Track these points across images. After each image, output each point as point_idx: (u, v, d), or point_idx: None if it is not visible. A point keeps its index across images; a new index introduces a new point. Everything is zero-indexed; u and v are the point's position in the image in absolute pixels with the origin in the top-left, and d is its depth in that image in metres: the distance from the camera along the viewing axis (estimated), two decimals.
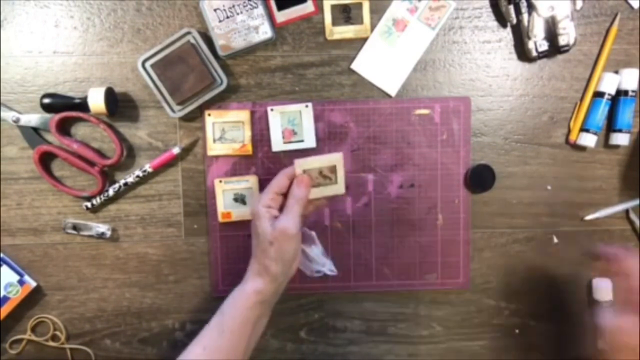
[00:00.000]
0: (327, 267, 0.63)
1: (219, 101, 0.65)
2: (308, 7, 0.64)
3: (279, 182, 0.57)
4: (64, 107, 0.63)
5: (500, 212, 0.69)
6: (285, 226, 0.55)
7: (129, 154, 0.66)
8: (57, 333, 0.68)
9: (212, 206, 0.66)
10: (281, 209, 0.58)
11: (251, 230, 0.58)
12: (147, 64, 0.63)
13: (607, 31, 0.66)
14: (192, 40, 0.62)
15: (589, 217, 0.68)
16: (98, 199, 0.65)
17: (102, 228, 0.66)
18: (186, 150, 0.66)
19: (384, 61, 0.65)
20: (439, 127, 0.67)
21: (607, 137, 0.67)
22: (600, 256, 0.59)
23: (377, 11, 0.65)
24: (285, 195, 0.58)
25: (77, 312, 0.68)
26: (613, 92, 0.66)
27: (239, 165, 0.66)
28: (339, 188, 0.59)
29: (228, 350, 0.57)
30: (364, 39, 0.65)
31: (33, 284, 0.66)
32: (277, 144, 0.66)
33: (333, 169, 0.58)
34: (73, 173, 0.66)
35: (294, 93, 0.66)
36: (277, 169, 0.66)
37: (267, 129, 0.66)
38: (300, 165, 0.57)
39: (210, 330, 0.58)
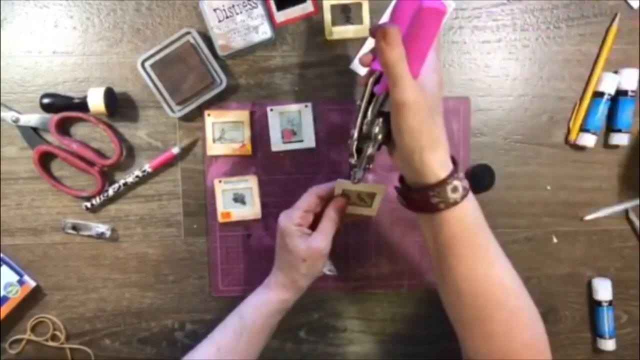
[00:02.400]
0: (327, 267, 0.63)
1: (218, 101, 0.65)
2: (308, 7, 0.64)
3: (309, 201, 0.58)
4: (64, 107, 0.63)
5: (500, 212, 0.68)
6: (319, 246, 0.56)
7: (129, 154, 0.66)
8: (57, 333, 0.68)
9: (212, 206, 0.66)
10: (309, 225, 0.58)
11: (277, 243, 0.59)
12: (147, 64, 0.63)
13: (607, 31, 0.66)
14: (192, 40, 0.62)
15: (588, 217, 0.68)
16: (97, 199, 0.65)
17: (102, 228, 0.66)
18: (186, 150, 0.66)
19: None
20: None
21: (606, 137, 0.67)
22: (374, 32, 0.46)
23: (377, 11, 0.65)
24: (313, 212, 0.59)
25: (76, 312, 0.68)
26: (613, 92, 0.66)
27: (238, 165, 0.66)
28: (371, 211, 0.61)
29: (243, 353, 0.59)
30: (364, 39, 0.65)
31: (33, 284, 0.66)
32: (277, 144, 0.66)
33: (372, 195, 0.59)
34: (72, 173, 0.66)
35: (294, 93, 0.66)
36: (277, 169, 0.66)
37: (267, 129, 0.66)
38: (342, 186, 0.57)
39: (227, 333, 0.59)
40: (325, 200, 0.59)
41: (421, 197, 0.48)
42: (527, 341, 0.50)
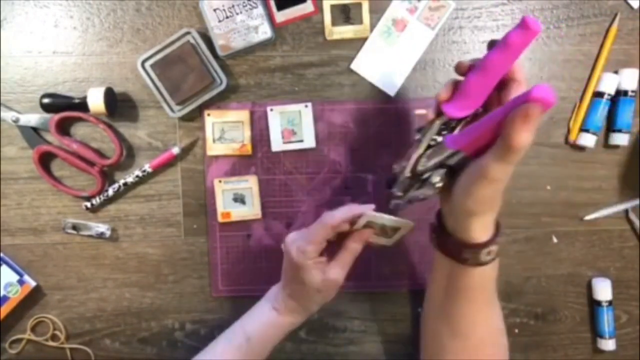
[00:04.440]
0: None
1: (218, 101, 0.65)
2: (308, 7, 0.64)
3: (325, 234, 0.53)
4: (64, 107, 0.63)
5: (500, 212, 0.68)
6: (337, 279, 0.54)
7: (129, 154, 0.66)
8: (57, 333, 0.68)
9: (212, 206, 0.66)
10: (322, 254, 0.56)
11: (286, 271, 0.56)
12: (147, 64, 0.63)
13: (607, 31, 0.66)
14: (192, 40, 0.62)
15: (588, 217, 0.68)
16: (98, 199, 0.65)
17: (102, 228, 0.66)
18: (186, 150, 0.66)
19: (384, 61, 0.65)
20: None
21: (606, 137, 0.67)
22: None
23: (377, 11, 0.65)
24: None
25: (76, 312, 0.68)
26: (612, 92, 0.66)
27: (238, 165, 0.66)
28: (388, 242, 0.58)
29: None
30: (364, 39, 0.65)
31: (33, 283, 0.66)
32: (277, 144, 0.66)
33: (396, 229, 0.56)
34: (73, 173, 0.66)
35: (294, 93, 0.66)
36: (277, 169, 0.66)
37: (267, 129, 0.66)
38: (368, 218, 0.53)
39: (232, 351, 0.58)
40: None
41: (455, 248, 0.48)
42: None
